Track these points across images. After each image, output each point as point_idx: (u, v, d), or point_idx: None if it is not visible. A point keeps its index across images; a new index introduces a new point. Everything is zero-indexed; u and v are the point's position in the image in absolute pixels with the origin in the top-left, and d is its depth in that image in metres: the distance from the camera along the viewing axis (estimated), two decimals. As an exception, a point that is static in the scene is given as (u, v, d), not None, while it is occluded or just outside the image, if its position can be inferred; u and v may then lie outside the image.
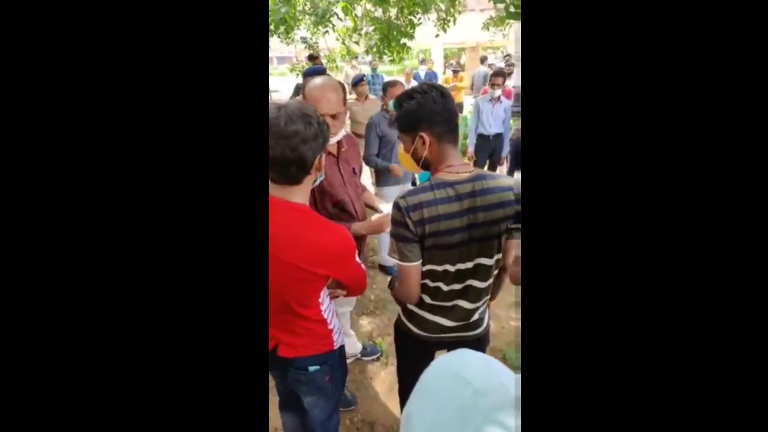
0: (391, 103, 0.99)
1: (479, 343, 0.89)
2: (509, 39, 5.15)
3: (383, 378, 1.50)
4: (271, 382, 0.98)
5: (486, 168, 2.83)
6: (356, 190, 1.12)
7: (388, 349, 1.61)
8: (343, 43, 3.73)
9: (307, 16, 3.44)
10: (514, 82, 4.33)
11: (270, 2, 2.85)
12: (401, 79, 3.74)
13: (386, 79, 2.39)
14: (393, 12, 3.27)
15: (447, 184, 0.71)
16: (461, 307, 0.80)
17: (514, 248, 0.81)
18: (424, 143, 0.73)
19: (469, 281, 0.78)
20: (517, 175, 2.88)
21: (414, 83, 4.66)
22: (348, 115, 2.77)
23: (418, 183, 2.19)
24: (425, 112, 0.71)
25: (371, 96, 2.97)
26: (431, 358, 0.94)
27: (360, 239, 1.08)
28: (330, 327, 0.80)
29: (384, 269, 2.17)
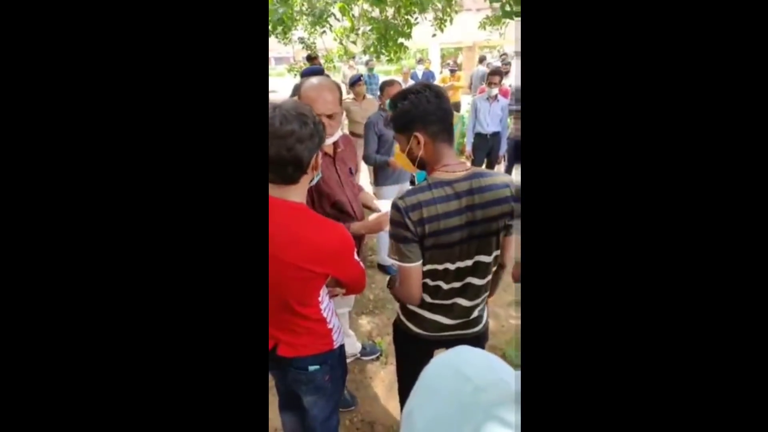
0: (388, 102, 0.99)
1: (478, 341, 0.89)
2: (506, 38, 5.16)
3: (383, 377, 1.50)
4: (271, 382, 0.97)
5: (484, 167, 2.84)
6: (353, 190, 1.13)
7: (387, 348, 1.61)
8: (341, 43, 3.73)
9: (304, 17, 3.43)
10: (510, 80, 4.34)
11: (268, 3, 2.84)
12: (399, 78, 3.74)
13: (383, 79, 2.40)
14: (390, 12, 3.27)
15: (444, 183, 0.72)
16: (460, 305, 0.81)
17: (512, 245, 0.81)
18: (419, 143, 0.73)
19: (468, 279, 0.78)
20: (515, 173, 2.89)
21: (411, 83, 4.67)
22: (345, 114, 2.78)
23: (416, 182, 2.20)
24: (419, 111, 0.72)
25: (368, 96, 2.97)
26: (430, 356, 0.94)
27: (359, 239, 1.08)
28: (329, 326, 0.80)
29: (383, 269, 2.17)
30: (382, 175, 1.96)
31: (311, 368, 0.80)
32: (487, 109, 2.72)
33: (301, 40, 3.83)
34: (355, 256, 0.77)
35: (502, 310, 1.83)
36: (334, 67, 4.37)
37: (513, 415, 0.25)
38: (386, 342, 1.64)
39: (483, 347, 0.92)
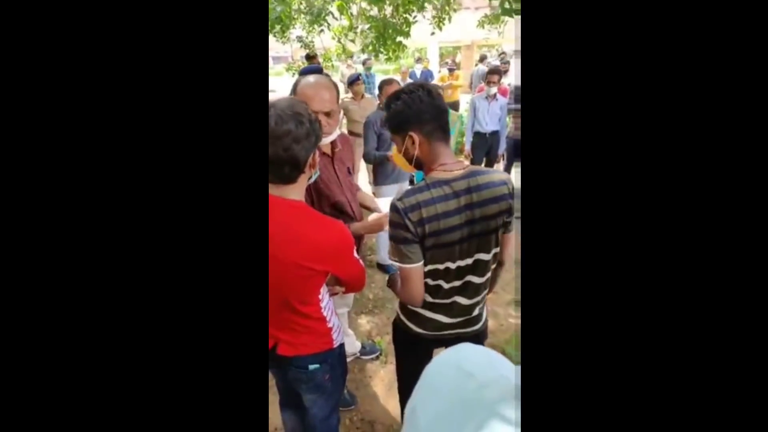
0: (385, 102, 0.99)
1: (478, 339, 0.89)
2: (504, 37, 5.16)
3: (382, 377, 1.50)
4: (271, 381, 0.97)
5: (483, 166, 2.84)
6: (352, 190, 1.12)
7: (387, 347, 1.61)
8: (339, 41, 3.72)
9: (302, 15, 3.42)
10: (509, 79, 4.35)
11: (265, 1, 2.82)
12: (397, 77, 3.74)
13: (380, 78, 2.39)
14: (388, 10, 3.26)
15: (443, 182, 0.72)
16: (460, 303, 0.81)
17: (510, 242, 0.82)
18: (414, 142, 0.73)
19: (468, 277, 0.78)
20: (514, 171, 2.90)
21: (410, 82, 4.64)
22: (344, 113, 2.77)
23: (415, 181, 2.20)
24: (412, 111, 0.72)
25: (367, 95, 2.96)
26: (430, 355, 0.94)
27: (358, 239, 1.08)
28: (329, 325, 0.80)
29: (382, 268, 2.17)
30: (381, 174, 1.96)
31: (311, 367, 0.79)
32: (486, 108, 2.72)
33: (299, 39, 3.81)
34: (355, 254, 0.77)
35: (502, 309, 1.83)
36: (333, 66, 4.36)
37: (515, 412, 0.25)
38: (386, 341, 1.64)
39: (482, 345, 0.92)
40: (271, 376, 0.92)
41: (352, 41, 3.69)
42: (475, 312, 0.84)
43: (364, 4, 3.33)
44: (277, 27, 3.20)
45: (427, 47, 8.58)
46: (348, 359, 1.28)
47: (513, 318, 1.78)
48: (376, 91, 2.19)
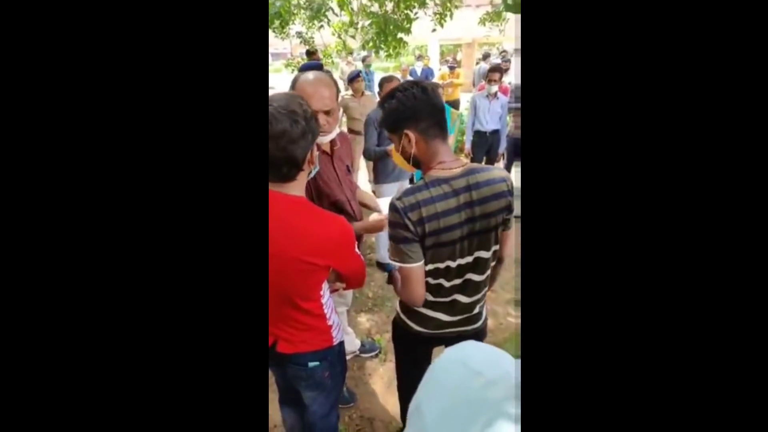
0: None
1: (477, 338, 0.89)
2: (505, 35, 5.13)
3: (382, 374, 1.50)
4: (271, 378, 0.97)
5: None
6: (351, 188, 1.12)
7: (386, 345, 1.61)
8: (339, 37, 3.69)
9: (302, 11, 3.39)
10: (510, 78, 4.33)
11: (265, -4, 2.80)
12: (398, 75, 3.72)
13: (380, 75, 2.38)
14: (389, 6, 3.24)
15: (442, 181, 0.71)
16: (460, 301, 0.81)
17: (509, 239, 0.81)
18: (410, 141, 0.72)
19: (468, 275, 0.78)
20: (514, 171, 2.89)
21: (411, 79, 4.61)
22: (344, 111, 2.76)
23: (415, 179, 2.19)
24: (407, 109, 0.71)
25: (367, 92, 2.95)
26: (430, 354, 0.94)
27: (358, 238, 1.07)
28: (329, 323, 0.80)
29: (382, 266, 2.17)
30: (381, 172, 1.95)
31: (311, 365, 0.79)
32: (486, 107, 2.71)
33: (299, 35, 3.79)
34: (356, 249, 0.77)
35: (501, 307, 1.83)
36: (332, 62, 4.33)
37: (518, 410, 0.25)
38: (385, 339, 1.65)
39: (483, 344, 0.92)
40: (270, 373, 0.92)
41: (353, 37, 3.67)
42: (476, 310, 0.84)
43: (364, 0, 3.31)
44: (276, 22, 3.18)
45: (427, 45, 8.54)
46: (347, 357, 1.28)
47: (512, 317, 1.78)
48: (376, 89, 2.18)
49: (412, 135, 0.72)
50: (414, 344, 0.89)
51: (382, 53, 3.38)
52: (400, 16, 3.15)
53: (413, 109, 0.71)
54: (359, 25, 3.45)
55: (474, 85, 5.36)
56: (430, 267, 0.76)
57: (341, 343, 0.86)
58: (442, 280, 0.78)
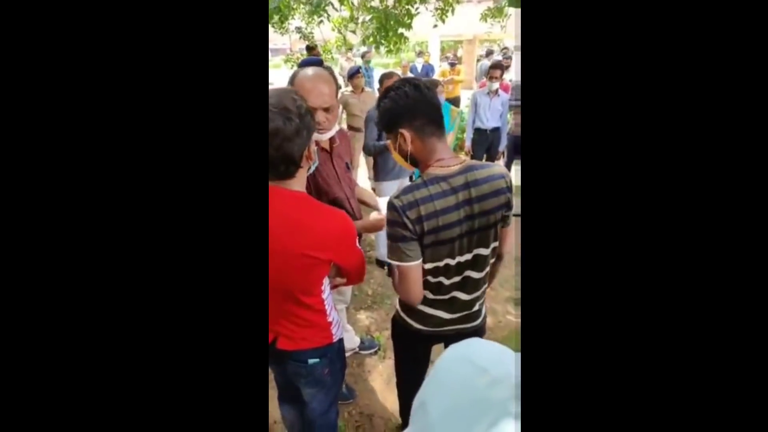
0: None
1: (476, 335, 0.90)
2: (507, 31, 5.09)
3: (381, 371, 1.51)
4: (270, 375, 0.98)
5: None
6: (350, 185, 1.11)
7: (386, 343, 1.62)
8: (339, 32, 3.66)
9: (301, 5, 3.36)
10: (511, 75, 4.30)
11: (264, -10, 2.77)
12: (398, 71, 3.69)
13: (380, 71, 2.36)
14: (390, 1, 3.21)
15: (440, 179, 0.71)
16: (459, 299, 0.81)
17: (509, 236, 0.81)
18: (405, 140, 0.72)
19: (467, 272, 0.78)
20: (514, 169, 2.88)
21: (410, 76, 4.59)
22: (343, 107, 2.74)
23: (413, 177, 2.19)
24: (400, 108, 0.71)
25: (367, 88, 2.93)
26: (429, 351, 0.94)
27: (357, 236, 1.07)
28: (329, 319, 0.80)
29: (381, 264, 2.17)
30: (382, 170, 1.94)
31: (311, 361, 0.80)
32: (487, 104, 2.69)
33: (299, 30, 3.75)
34: (357, 244, 0.76)
35: (500, 306, 1.84)
36: (332, 58, 4.30)
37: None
38: (384, 336, 1.65)
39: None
40: (270, 370, 0.92)
41: (353, 32, 3.64)
42: (475, 307, 0.84)
43: (365, -5, 3.28)
44: (276, 17, 3.15)
45: (428, 41, 8.48)
46: (347, 354, 1.29)
47: (511, 315, 1.79)
48: (376, 85, 2.16)
49: (407, 133, 0.71)
50: (413, 342, 0.89)
51: (382, 49, 3.35)
52: (401, 11, 3.12)
53: (406, 107, 0.70)
54: (359, 20, 3.41)
55: (477, 81, 5.33)
56: (429, 265, 0.76)
57: (341, 341, 0.86)
58: (441, 278, 0.78)
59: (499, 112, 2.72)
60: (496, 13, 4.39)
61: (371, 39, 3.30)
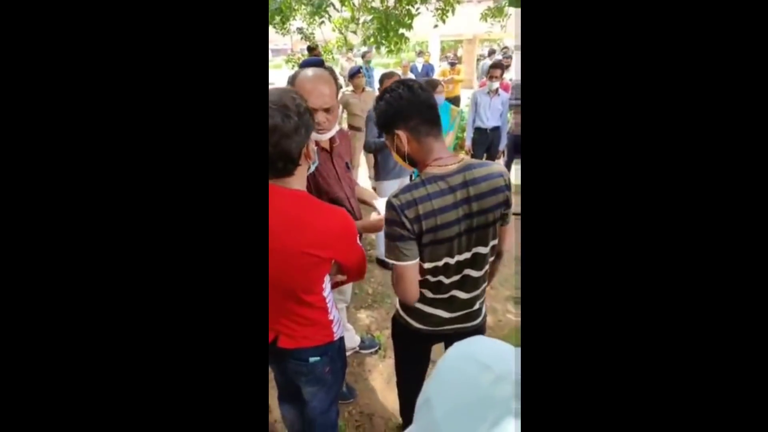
0: None
1: (476, 334, 0.89)
2: (507, 31, 5.08)
3: (381, 371, 1.51)
4: (270, 374, 0.98)
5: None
6: (350, 185, 1.12)
7: (386, 342, 1.62)
8: (340, 33, 3.67)
9: (303, 6, 3.37)
10: (511, 74, 4.30)
11: (265, -9, 2.78)
12: (398, 71, 3.70)
13: (380, 71, 2.36)
14: (391, 1, 3.21)
15: (438, 178, 0.71)
16: (458, 297, 0.81)
17: (508, 234, 0.82)
18: (401, 141, 0.73)
19: (466, 271, 0.78)
20: (514, 168, 2.88)
21: (411, 76, 4.62)
22: (344, 107, 2.74)
23: (412, 177, 2.19)
24: (394, 110, 0.72)
25: (368, 88, 2.93)
26: (429, 351, 0.94)
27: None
28: (330, 317, 0.80)
29: (381, 263, 2.18)
30: (383, 169, 1.95)
31: (312, 360, 0.80)
32: (487, 104, 2.70)
33: (300, 31, 3.76)
34: (358, 241, 0.77)
35: (500, 305, 1.84)
36: (333, 58, 4.31)
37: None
38: (385, 336, 1.65)
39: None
40: (270, 369, 0.93)
41: (354, 33, 3.64)
42: (475, 306, 0.85)
43: (365, -5, 3.28)
44: (277, 18, 3.16)
45: (428, 41, 8.48)
46: (347, 353, 1.29)
47: (511, 314, 1.79)
48: (376, 85, 2.16)
49: (402, 134, 0.72)
50: (413, 341, 0.90)
51: (383, 49, 3.36)
52: (401, 11, 3.13)
53: (400, 108, 0.71)
54: (360, 21, 3.42)
55: (478, 80, 5.34)
56: (428, 264, 0.76)
57: (341, 339, 0.86)
58: (441, 277, 0.78)
59: (500, 112, 2.73)
60: (496, 12, 4.39)
61: (372, 39, 3.31)
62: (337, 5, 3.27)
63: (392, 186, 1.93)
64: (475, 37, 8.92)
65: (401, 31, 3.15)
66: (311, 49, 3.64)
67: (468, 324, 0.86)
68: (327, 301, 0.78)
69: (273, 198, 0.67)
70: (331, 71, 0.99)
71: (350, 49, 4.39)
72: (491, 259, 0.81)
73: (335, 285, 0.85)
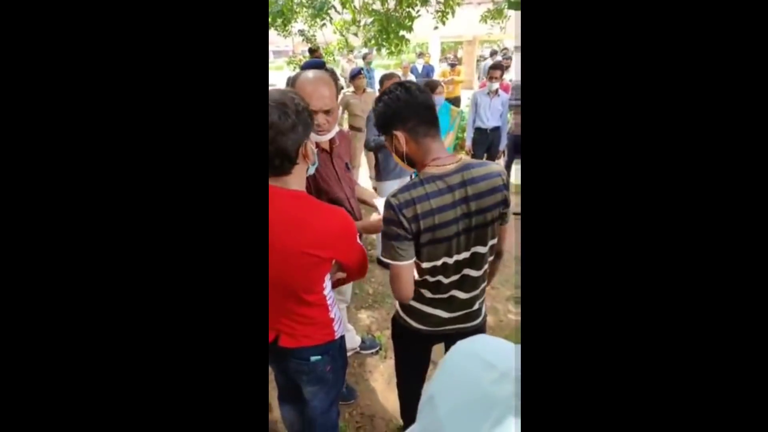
0: None
1: (477, 334, 0.90)
2: (506, 32, 5.10)
3: (382, 371, 1.51)
4: (270, 375, 0.98)
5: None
6: (350, 185, 1.12)
7: (386, 342, 1.62)
8: (341, 35, 3.68)
9: (304, 9, 3.39)
10: (511, 75, 4.31)
11: (266, -7, 2.79)
12: (398, 72, 3.71)
13: (381, 72, 2.37)
14: (391, 4, 3.23)
15: (436, 178, 0.72)
16: (457, 297, 0.81)
17: (508, 233, 0.82)
18: (400, 141, 0.73)
19: (465, 271, 0.78)
20: (515, 168, 2.88)
21: (411, 77, 4.63)
22: (345, 108, 2.75)
23: (412, 177, 2.19)
24: (392, 111, 0.72)
25: (368, 89, 2.94)
26: (429, 351, 0.94)
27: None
28: (331, 315, 0.80)
29: (382, 263, 2.17)
30: (383, 169, 1.95)
31: (313, 359, 0.80)
32: (487, 104, 2.70)
33: (301, 33, 3.78)
34: (358, 240, 0.77)
35: (501, 305, 1.84)
36: (334, 60, 4.33)
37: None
38: (385, 336, 1.65)
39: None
40: (270, 370, 0.93)
41: (355, 35, 3.66)
42: (475, 306, 0.85)
43: (366, -2, 3.29)
44: (279, 20, 3.17)
45: (428, 42, 8.50)
46: (348, 354, 1.29)
47: (512, 314, 1.79)
48: (377, 86, 2.17)
49: (400, 135, 0.73)
50: (413, 341, 0.90)
51: (383, 51, 3.37)
52: (402, 14, 3.14)
53: (398, 110, 0.72)
54: (361, 23, 3.43)
55: (479, 81, 5.35)
56: (427, 264, 0.76)
57: (342, 338, 0.86)
58: (440, 277, 0.78)
59: (500, 112, 2.73)
60: (496, 14, 4.40)
61: (373, 41, 3.32)
62: (338, 8, 3.28)
63: (393, 186, 1.92)
64: (475, 39, 8.94)
65: (402, 33, 3.17)
66: (313, 51, 3.65)
67: (468, 324, 0.86)
68: (328, 299, 0.79)
69: (272, 199, 0.68)
70: (332, 73, 1.00)
71: (351, 50, 4.41)
72: (490, 258, 0.81)
73: (336, 283, 0.85)
